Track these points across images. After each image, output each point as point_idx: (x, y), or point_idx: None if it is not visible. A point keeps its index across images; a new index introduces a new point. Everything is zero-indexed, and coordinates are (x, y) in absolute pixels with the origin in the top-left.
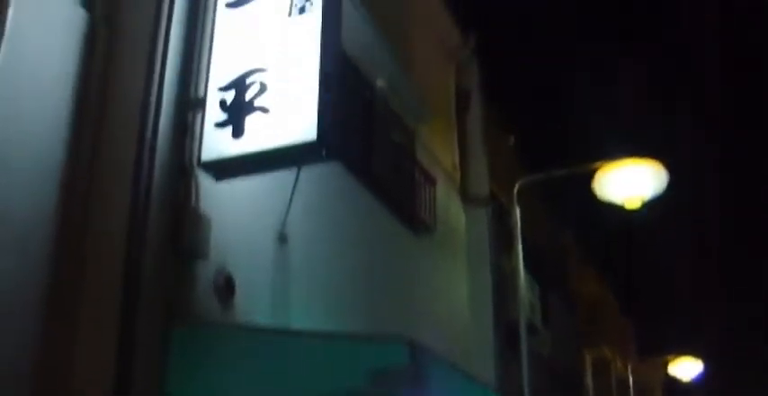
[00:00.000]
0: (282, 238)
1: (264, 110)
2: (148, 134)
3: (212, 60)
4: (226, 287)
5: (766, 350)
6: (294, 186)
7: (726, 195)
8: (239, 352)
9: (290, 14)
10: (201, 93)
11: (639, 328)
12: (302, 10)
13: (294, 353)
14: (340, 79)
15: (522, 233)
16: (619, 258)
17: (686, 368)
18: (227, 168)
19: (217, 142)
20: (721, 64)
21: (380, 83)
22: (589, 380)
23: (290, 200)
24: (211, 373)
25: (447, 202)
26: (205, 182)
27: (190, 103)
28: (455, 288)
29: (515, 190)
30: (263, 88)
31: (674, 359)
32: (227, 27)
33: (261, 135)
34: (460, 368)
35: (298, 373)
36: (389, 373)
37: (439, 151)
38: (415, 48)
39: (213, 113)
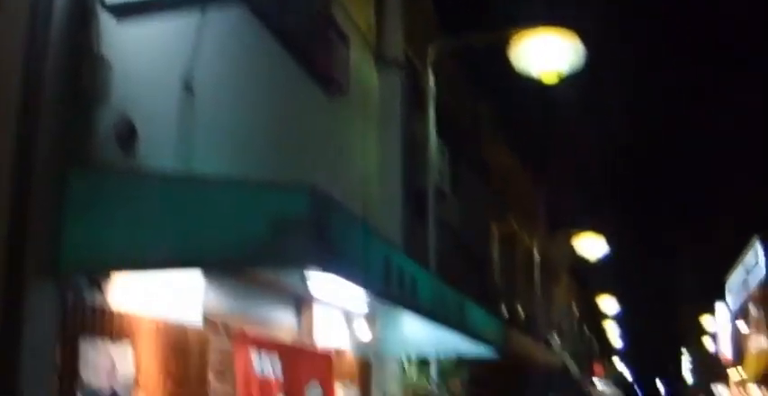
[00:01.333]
0: (188, 86)
1: None
2: None
3: None
4: (127, 133)
5: (666, 232)
6: (199, 31)
7: (645, 78)
8: (138, 197)
9: None
10: None
11: (548, 204)
12: None
13: (194, 199)
14: None
15: (436, 99)
16: (532, 132)
17: (591, 244)
18: (131, 8)
19: None
20: None
21: None
22: (495, 252)
23: (197, 45)
24: (109, 217)
25: (360, 64)
26: (108, 25)
27: None
28: (364, 151)
29: (430, 53)
30: None
31: (579, 234)
32: None
33: None
34: (365, 222)
35: (197, 220)
36: (290, 222)
37: (354, 10)
38: None
39: None
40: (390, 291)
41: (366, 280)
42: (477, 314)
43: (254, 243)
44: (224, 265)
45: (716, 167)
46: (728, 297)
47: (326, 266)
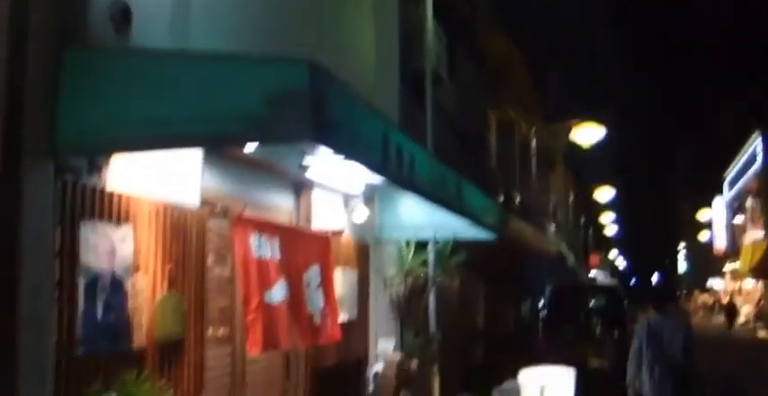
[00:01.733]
0: None
1: None
2: None
3: None
4: (122, 14)
5: (667, 125)
6: None
7: None
8: (135, 75)
9: None
10: None
11: (547, 92)
12: None
13: (192, 75)
14: None
15: None
16: (530, 19)
17: (589, 133)
18: None
19: None
20: None
21: None
22: (492, 139)
23: None
24: (105, 97)
25: None
26: None
27: None
28: (360, 33)
29: None
30: None
31: (578, 125)
32: None
33: None
34: (365, 98)
35: (195, 96)
36: (289, 95)
37: None
38: None
39: None
40: (388, 168)
41: (364, 156)
42: (475, 196)
43: (254, 118)
44: (223, 141)
45: (718, 61)
46: (726, 190)
47: (325, 140)
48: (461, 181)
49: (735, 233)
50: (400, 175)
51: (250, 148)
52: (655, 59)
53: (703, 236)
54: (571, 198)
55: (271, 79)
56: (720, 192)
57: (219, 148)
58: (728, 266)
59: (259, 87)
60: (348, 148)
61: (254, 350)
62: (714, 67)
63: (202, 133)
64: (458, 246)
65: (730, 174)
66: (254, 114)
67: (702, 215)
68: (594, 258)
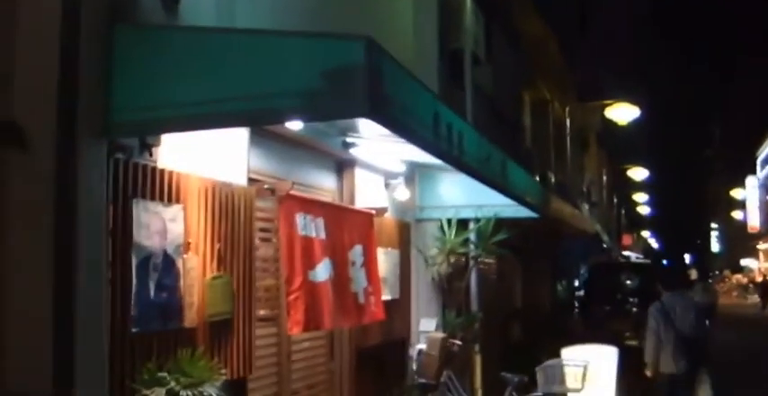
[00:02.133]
0: None
1: None
2: None
3: None
4: None
5: (697, 98)
6: None
7: None
8: (187, 52)
9: None
10: None
11: (580, 74)
12: None
13: (246, 51)
14: None
15: None
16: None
17: (623, 112)
18: None
19: None
20: None
21: None
22: (528, 120)
23: None
24: (156, 74)
25: None
26: None
27: None
28: (400, 15)
29: None
30: None
31: (612, 104)
32: None
33: None
34: (414, 75)
35: (249, 72)
36: (345, 71)
37: None
38: None
39: None
40: (439, 145)
41: (417, 133)
42: (518, 174)
43: (311, 93)
44: (279, 117)
45: (750, 40)
46: (759, 169)
47: (380, 117)
48: (506, 159)
49: None
50: (450, 153)
51: (298, 125)
52: (687, 40)
53: (737, 215)
54: (605, 178)
55: (328, 55)
56: (754, 171)
57: (274, 125)
58: (762, 246)
59: (316, 63)
60: (401, 124)
61: (295, 329)
62: (746, 46)
63: (258, 110)
64: (499, 223)
65: (763, 153)
66: (311, 89)
67: (736, 194)
68: (627, 238)
